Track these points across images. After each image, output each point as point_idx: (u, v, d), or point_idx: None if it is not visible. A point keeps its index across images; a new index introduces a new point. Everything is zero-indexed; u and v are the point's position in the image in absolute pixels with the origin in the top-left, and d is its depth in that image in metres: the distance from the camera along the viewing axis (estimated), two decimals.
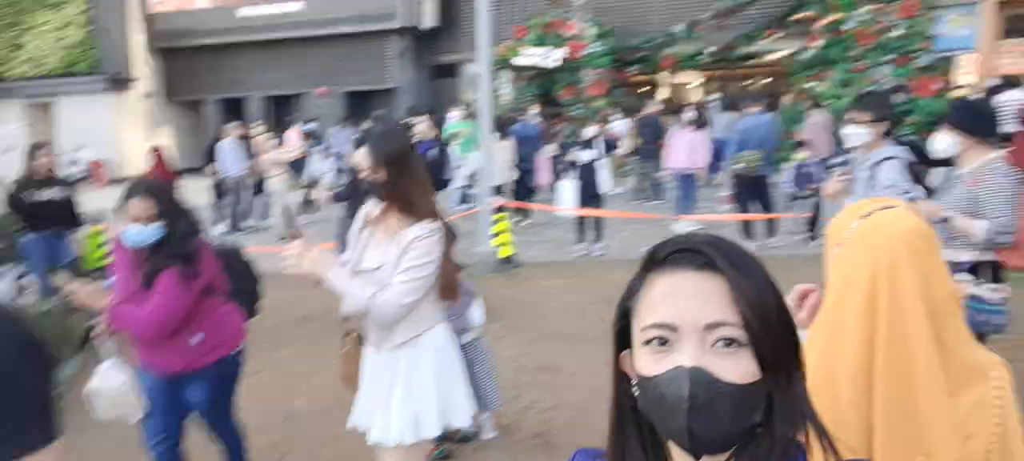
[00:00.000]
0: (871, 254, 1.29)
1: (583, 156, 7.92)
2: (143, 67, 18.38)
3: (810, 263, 2.93)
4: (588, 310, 6.09)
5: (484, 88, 7.81)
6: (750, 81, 17.22)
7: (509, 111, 12.58)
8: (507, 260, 7.71)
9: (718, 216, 8.61)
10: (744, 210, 7.93)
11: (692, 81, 17.54)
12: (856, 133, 3.47)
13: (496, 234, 7.73)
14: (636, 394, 0.85)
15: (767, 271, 0.83)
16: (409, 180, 2.29)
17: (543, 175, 10.58)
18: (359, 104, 16.19)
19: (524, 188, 10.14)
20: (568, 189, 8.01)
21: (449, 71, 17.41)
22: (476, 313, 3.83)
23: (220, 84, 18.46)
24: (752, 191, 7.74)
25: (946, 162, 3.60)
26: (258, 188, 10.60)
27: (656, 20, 15.27)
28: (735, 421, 0.78)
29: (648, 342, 0.81)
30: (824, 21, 12.32)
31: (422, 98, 15.89)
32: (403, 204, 2.29)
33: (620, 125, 11.84)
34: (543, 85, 14.70)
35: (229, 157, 9.95)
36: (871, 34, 11.79)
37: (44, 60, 17.89)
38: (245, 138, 10.35)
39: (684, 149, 8.77)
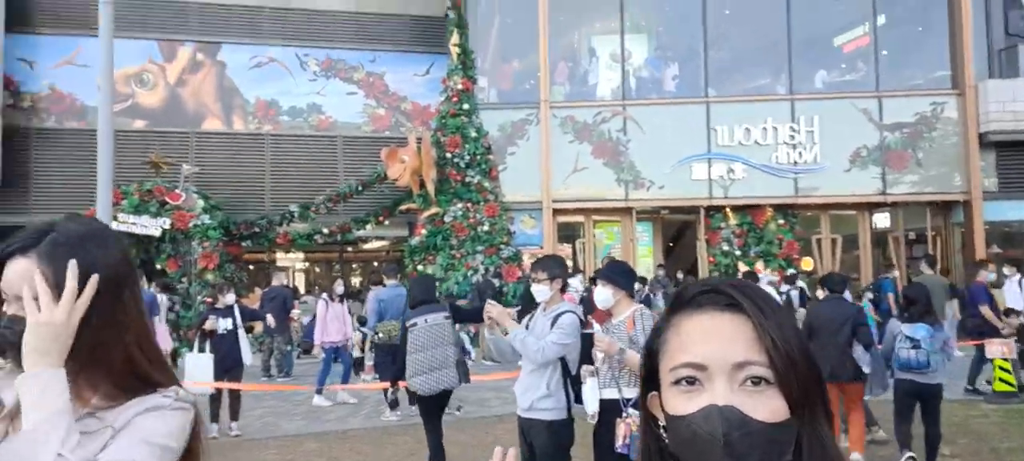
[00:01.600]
0: None
1: (222, 324, 7.40)
2: None
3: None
4: None
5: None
6: (361, 265, 18.23)
7: None
8: None
9: (365, 386, 8.73)
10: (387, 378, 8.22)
11: (301, 260, 17.82)
12: (541, 290, 4.14)
13: None
14: (664, 435, 0.86)
15: (788, 312, 0.87)
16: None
17: (163, 342, 9.64)
18: None
19: None
20: (201, 363, 7.30)
21: (11, 233, 14.52)
22: None
23: None
24: (394, 359, 8.12)
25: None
26: None
27: (268, 198, 15.41)
28: (766, 459, 0.79)
29: (677, 382, 0.82)
30: (426, 213, 14.02)
31: None
32: None
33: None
34: (141, 254, 13.32)
35: None
36: (465, 227, 13.80)
37: None
38: None
39: (334, 322, 8.85)
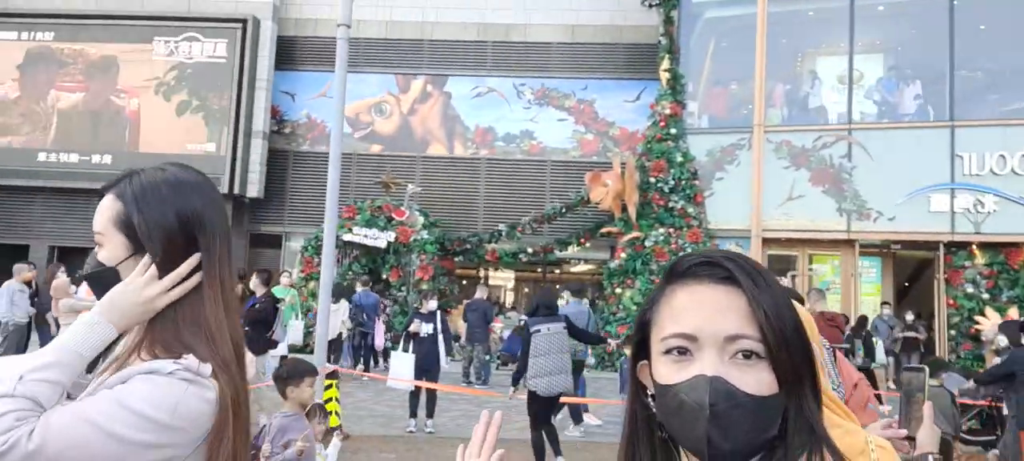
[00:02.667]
0: None
1: (425, 328, 8.02)
2: None
3: None
4: None
5: (327, 254, 7.82)
6: (563, 285, 18.64)
7: (344, 282, 12.68)
8: (336, 429, 7.34)
9: None
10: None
11: (511, 278, 18.65)
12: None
13: (326, 401, 7.39)
14: (652, 404, 0.86)
15: (783, 289, 0.86)
16: None
17: (379, 339, 11.30)
18: None
19: (367, 348, 11.12)
20: (404, 361, 7.97)
21: (267, 241, 17.05)
22: None
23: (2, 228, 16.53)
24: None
25: None
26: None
27: (480, 218, 16.39)
28: (752, 432, 0.79)
29: (668, 351, 0.82)
30: (627, 237, 13.98)
31: (239, 263, 15.27)
32: None
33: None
34: (368, 264, 14.89)
35: (8, 301, 8.82)
36: (666, 252, 13.54)
37: None
38: (28, 283, 9.31)
39: None
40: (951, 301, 12.60)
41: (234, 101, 16.25)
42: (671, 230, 13.70)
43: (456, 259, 15.72)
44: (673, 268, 0.88)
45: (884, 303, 13.29)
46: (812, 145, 13.63)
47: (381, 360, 11.79)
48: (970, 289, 12.44)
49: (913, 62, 14.06)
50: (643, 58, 16.39)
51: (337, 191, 8.33)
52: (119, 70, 16.64)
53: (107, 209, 1.17)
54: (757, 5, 13.83)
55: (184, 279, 1.14)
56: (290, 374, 3.89)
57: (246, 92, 16.33)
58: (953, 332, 12.49)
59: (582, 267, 17.27)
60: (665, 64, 14.59)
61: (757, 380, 0.79)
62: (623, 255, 13.96)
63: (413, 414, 8.14)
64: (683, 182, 13.94)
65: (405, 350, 8.30)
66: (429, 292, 9.88)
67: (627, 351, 7.56)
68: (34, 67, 16.72)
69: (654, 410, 0.86)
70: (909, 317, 12.63)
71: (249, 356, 7.26)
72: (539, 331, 6.10)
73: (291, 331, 10.24)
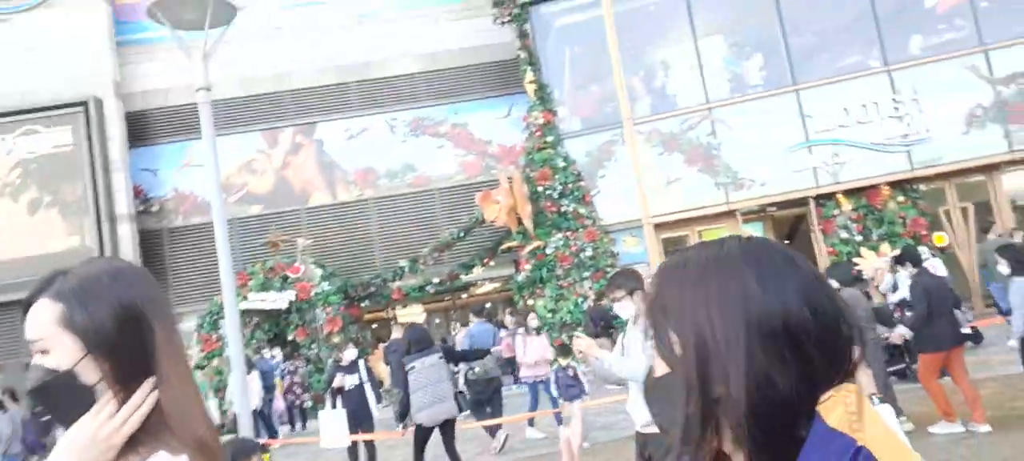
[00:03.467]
0: None
1: (349, 381, 7.78)
2: None
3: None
4: None
5: (232, 330, 7.43)
6: (467, 309, 18.64)
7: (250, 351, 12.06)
8: None
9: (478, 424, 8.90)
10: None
11: (420, 312, 18.38)
12: (623, 307, 4.13)
13: None
14: None
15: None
16: None
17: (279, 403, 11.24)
18: None
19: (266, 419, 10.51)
20: (336, 418, 7.69)
21: None
22: None
23: None
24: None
25: None
26: None
27: (378, 258, 16.11)
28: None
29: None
30: (528, 248, 14.22)
31: None
32: None
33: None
34: (272, 328, 14.27)
35: None
36: (568, 256, 13.89)
37: None
38: None
39: (534, 354, 9.04)
40: (830, 249, 13.74)
41: (90, 189, 15.09)
42: (568, 233, 14.08)
43: (362, 304, 15.34)
44: None
45: None
46: (679, 129, 14.47)
47: (292, 424, 11.46)
48: (844, 235, 13.63)
49: (751, 38, 15.26)
50: (506, 74, 16.79)
51: (229, 257, 7.96)
52: None
53: (46, 312, 1.10)
54: (602, 7, 14.53)
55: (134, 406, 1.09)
56: (235, 455, 3.71)
57: (101, 177, 15.22)
58: None
59: (489, 287, 17.34)
60: (529, 76, 15.04)
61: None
62: (527, 267, 14.18)
63: None
64: (570, 185, 14.37)
65: (333, 406, 8.01)
66: (344, 343, 9.60)
67: (560, 359, 7.63)
68: None
69: None
70: None
71: None
72: (413, 367, 6.60)
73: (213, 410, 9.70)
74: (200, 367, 11.40)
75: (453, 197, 16.74)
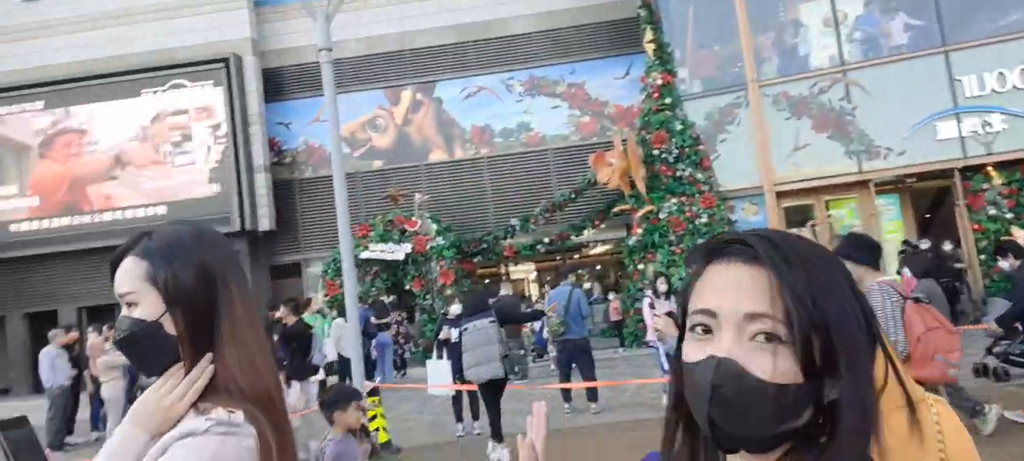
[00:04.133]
0: None
1: (454, 333, 8.05)
2: None
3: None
4: None
5: (347, 279, 7.86)
6: (587, 269, 18.72)
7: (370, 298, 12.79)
8: (386, 445, 7.39)
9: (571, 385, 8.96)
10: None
11: (532, 269, 18.68)
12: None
13: (371, 418, 7.43)
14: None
15: (838, 272, 0.80)
16: None
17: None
18: None
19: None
20: (440, 368, 8.00)
21: (287, 271, 17.11)
22: None
23: (27, 298, 16.59)
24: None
25: None
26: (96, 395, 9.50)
27: (491, 215, 16.42)
28: (765, 420, 0.74)
29: (693, 328, 0.81)
30: (640, 212, 13.98)
31: (262, 297, 15.31)
32: None
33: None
34: (390, 278, 14.96)
35: (49, 366, 8.86)
36: (682, 222, 13.54)
37: None
38: (69, 346, 9.35)
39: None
40: (976, 225, 12.60)
41: (230, 140, 16.27)
42: (683, 198, 13.71)
43: (475, 260, 15.76)
44: (708, 249, 0.85)
45: (904, 241, 13.25)
46: (809, 92, 13.62)
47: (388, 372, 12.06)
48: (992, 211, 12.43)
49: None
50: (626, 33, 16.40)
51: (346, 210, 8.37)
52: (110, 127, 16.66)
53: (135, 268, 1.20)
54: None
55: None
56: (336, 399, 3.96)
57: (241, 129, 16.34)
58: (983, 257, 12.47)
59: (600, 248, 17.28)
60: (648, 35, 14.59)
61: (773, 366, 0.74)
62: (639, 231, 13.97)
63: (459, 418, 8.19)
64: (687, 149, 13.93)
65: (439, 357, 8.35)
66: (453, 297, 9.91)
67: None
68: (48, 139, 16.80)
69: None
70: (948, 247, 12.40)
71: (295, 385, 7.28)
72: (466, 329, 7.10)
73: (329, 351, 10.38)
74: (321, 313, 12.12)
75: (566, 157, 16.70)
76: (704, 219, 13.45)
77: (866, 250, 3.81)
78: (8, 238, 16.35)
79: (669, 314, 8.27)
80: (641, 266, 13.69)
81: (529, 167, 16.87)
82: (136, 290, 1.19)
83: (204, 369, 1.17)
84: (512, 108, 17.14)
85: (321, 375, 9.62)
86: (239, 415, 1.12)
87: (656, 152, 14.04)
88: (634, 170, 13.86)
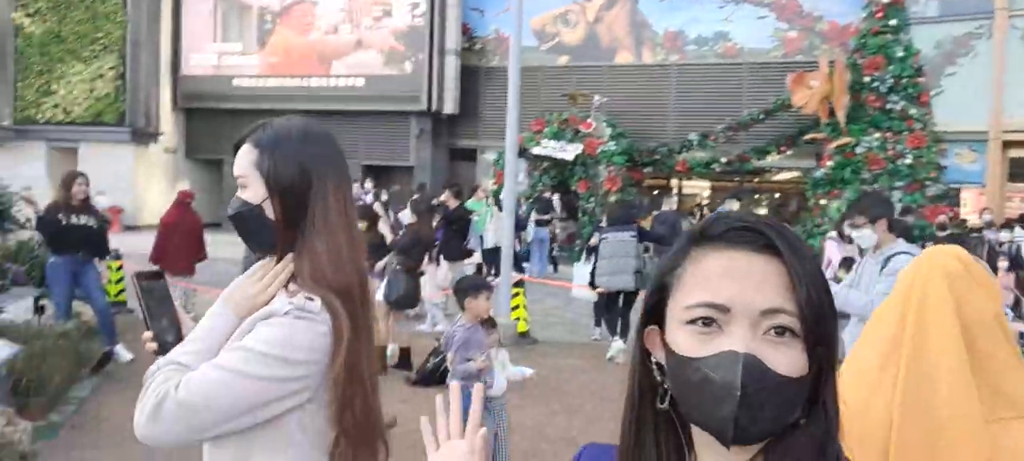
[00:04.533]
0: (912, 274, 1.42)
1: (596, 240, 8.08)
2: (167, 123, 18.88)
3: None
4: (605, 390, 6.07)
5: (509, 173, 8.05)
6: (761, 195, 17.66)
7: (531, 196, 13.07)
8: (524, 335, 7.71)
9: None
10: None
11: (705, 187, 17.96)
12: (863, 235, 3.61)
13: (514, 308, 7.77)
14: (663, 374, 0.80)
15: (818, 262, 0.78)
16: None
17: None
18: (378, 178, 16.48)
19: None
20: (583, 271, 8.10)
21: (464, 155, 17.87)
22: (501, 378, 4.00)
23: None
24: None
25: None
26: None
27: (670, 127, 15.82)
28: (779, 416, 0.73)
29: (693, 321, 0.75)
30: (835, 143, 12.77)
31: (438, 178, 16.21)
32: None
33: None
34: (557, 176, 15.12)
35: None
36: (882, 159, 12.20)
37: (73, 107, 18.33)
38: None
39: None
40: None
41: (427, 20, 16.90)
42: (888, 134, 12.29)
43: (645, 170, 15.41)
44: (704, 230, 0.79)
45: None
46: None
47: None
48: None
49: None
50: None
51: (517, 103, 8.49)
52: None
53: (247, 155, 1.33)
54: None
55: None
56: (468, 288, 4.13)
57: (437, 10, 16.89)
58: None
59: (783, 176, 16.13)
60: None
61: (790, 360, 0.72)
62: (830, 163, 12.81)
63: (598, 323, 8.29)
64: (904, 80, 12.35)
65: (586, 261, 8.44)
66: (613, 205, 9.84)
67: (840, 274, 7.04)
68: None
69: (660, 380, 0.81)
70: None
71: (444, 265, 7.78)
72: (606, 239, 7.40)
73: (489, 236, 10.88)
74: (495, 194, 12.53)
75: (763, 74, 15.46)
76: (908, 160, 11.99)
77: (883, 205, 3.67)
78: (231, 90, 18.52)
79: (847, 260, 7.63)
80: (824, 202, 12.63)
81: (719, 81, 15.86)
82: (246, 174, 1.33)
83: (288, 265, 1.32)
84: (712, 14, 16.04)
85: (477, 258, 10.15)
86: (317, 303, 1.25)
87: (867, 79, 12.59)
88: (837, 96, 12.57)
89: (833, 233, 8.68)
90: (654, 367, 0.81)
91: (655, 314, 0.81)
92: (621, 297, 7.44)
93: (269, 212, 1.31)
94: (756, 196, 17.18)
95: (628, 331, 7.21)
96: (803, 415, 0.76)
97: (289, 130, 1.34)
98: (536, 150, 14.73)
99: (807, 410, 0.76)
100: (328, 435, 1.28)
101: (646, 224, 11.11)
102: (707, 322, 0.75)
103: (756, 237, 0.76)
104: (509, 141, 7.79)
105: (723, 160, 14.64)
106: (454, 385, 0.99)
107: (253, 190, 1.32)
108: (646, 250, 7.86)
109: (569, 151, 14.47)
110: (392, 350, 6.62)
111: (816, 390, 0.76)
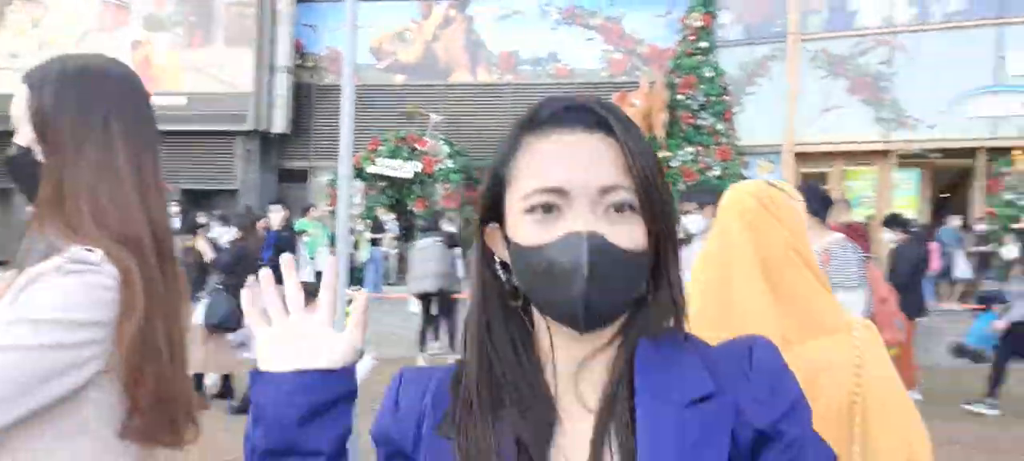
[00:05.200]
0: (717, 219, 1.53)
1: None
2: None
3: None
4: None
5: (342, 190, 7.83)
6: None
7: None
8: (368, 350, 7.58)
9: None
10: None
11: None
12: (692, 220, 3.90)
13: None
14: (508, 272, 0.79)
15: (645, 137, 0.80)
16: None
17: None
18: (198, 202, 15.47)
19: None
20: None
21: (295, 176, 17.23)
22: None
23: None
24: None
25: None
26: None
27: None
28: (627, 289, 0.74)
29: (531, 209, 0.74)
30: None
31: (265, 200, 15.50)
32: None
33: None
34: (395, 196, 14.97)
35: None
36: (694, 172, 13.21)
37: None
38: None
39: None
40: (989, 209, 12.01)
41: (256, 37, 16.20)
42: (699, 148, 13.33)
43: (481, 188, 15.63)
44: (532, 115, 0.78)
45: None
46: (850, 52, 12.95)
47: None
48: (1008, 196, 11.81)
49: None
50: None
51: (351, 125, 8.28)
52: (133, 9, 16.71)
53: (19, 95, 1.19)
54: None
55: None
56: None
57: (268, 27, 16.25)
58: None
59: None
60: None
61: (631, 234, 0.73)
62: None
63: (422, 344, 8.34)
64: (713, 98, 13.46)
65: None
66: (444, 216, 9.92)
67: None
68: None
69: (504, 278, 0.80)
70: (980, 228, 11.85)
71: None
72: (414, 246, 8.52)
73: (319, 260, 10.54)
74: (323, 219, 12.22)
75: (593, 93, 16.21)
76: (716, 172, 13.08)
77: (821, 202, 3.69)
78: None
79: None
80: None
81: None
82: (16, 115, 1.19)
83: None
84: (545, 36, 16.67)
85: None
86: (98, 254, 1.07)
87: (681, 98, 13.59)
88: (655, 114, 13.48)
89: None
90: (499, 267, 0.80)
91: (494, 212, 0.80)
92: (434, 304, 8.06)
93: (39, 155, 1.16)
94: None
95: (428, 337, 7.71)
96: (649, 290, 0.77)
97: (64, 64, 1.19)
98: (372, 169, 14.51)
99: (653, 286, 0.77)
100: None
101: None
102: (547, 208, 0.74)
103: (587, 116, 0.75)
104: (343, 160, 7.60)
105: None
106: (289, 258, 0.89)
107: (22, 132, 1.18)
108: (463, 255, 8.48)
109: (406, 169, 14.39)
110: (213, 380, 6.20)
111: (657, 265, 0.77)
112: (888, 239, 7.02)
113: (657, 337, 0.76)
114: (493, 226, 0.80)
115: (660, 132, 13.50)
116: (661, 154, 13.39)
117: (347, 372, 0.80)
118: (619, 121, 0.75)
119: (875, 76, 12.70)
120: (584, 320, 0.72)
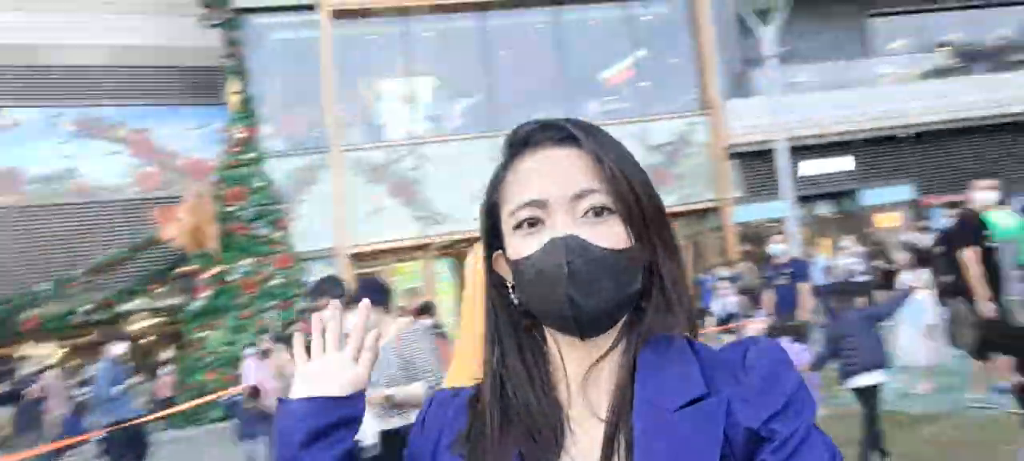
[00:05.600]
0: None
1: None
2: None
3: None
4: None
5: None
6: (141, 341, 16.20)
7: None
8: None
9: None
10: None
11: (52, 352, 14.83)
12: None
13: None
14: (513, 295, 0.82)
15: (625, 147, 0.85)
16: None
17: None
18: None
19: None
20: None
21: None
22: None
23: None
24: None
25: None
26: None
27: (11, 279, 13.29)
28: (613, 289, 0.76)
29: (519, 226, 0.79)
30: (209, 273, 12.84)
31: None
32: None
33: None
34: None
35: None
36: (254, 283, 12.82)
37: None
38: None
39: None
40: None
41: None
42: (258, 258, 13.05)
43: None
44: (511, 143, 0.84)
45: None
46: (386, 160, 14.40)
47: None
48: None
49: (458, 83, 15.92)
50: (206, 82, 15.33)
51: None
52: None
53: None
54: (321, 30, 14.11)
55: None
56: None
57: None
58: None
59: (145, 323, 15.06)
60: (234, 87, 13.86)
61: (610, 234, 0.77)
62: (206, 293, 12.78)
63: None
64: (266, 207, 13.39)
65: None
66: None
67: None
68: None
69: (515, 300, 0.83)
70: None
71: None
72: None
73: None
74: None
75: (122, 211, 14.60)
76: (278, 280, 12.96)
77: (381, 293, 3.92)
78: None
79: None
80: (203, 333, 12.46)
81: (72, 222, 14.27)
82: None
83: None
84: (57, 150, 14.46)
85: None
86: None
87: (231, 209, 13.16)
88: (205, 226, 12.74)
89: (253, 349, 8.61)
90: (510, 291, 0.83)
91: (495, 239, 0.84)
92: None
93: None
94: (130, 342, 15.73)
95: None
96: (646, 298, 0.80)
97: None
98: None
99: (652, 286, 0.80)
100: None
101: None
102: (532, 222, 0.78)
103: (556, 132, 0.81)
104: None
105: (82, 310, 12.97)
106: (336, 303, 0.93)
107: None
108: None
109: None
110: None
111: (652, 272, 0.80)
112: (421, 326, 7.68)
113: (659, 341, 0.79)
114: (498, 252, 0.85)
115: (213, 244, 12.81)
116: (217, 269, 12.73)
117: (352, 399, 0.87)
118: (584, 131, 0.82)
119: (409, 180, 14.35)
120: (577, 323, 0.76)
